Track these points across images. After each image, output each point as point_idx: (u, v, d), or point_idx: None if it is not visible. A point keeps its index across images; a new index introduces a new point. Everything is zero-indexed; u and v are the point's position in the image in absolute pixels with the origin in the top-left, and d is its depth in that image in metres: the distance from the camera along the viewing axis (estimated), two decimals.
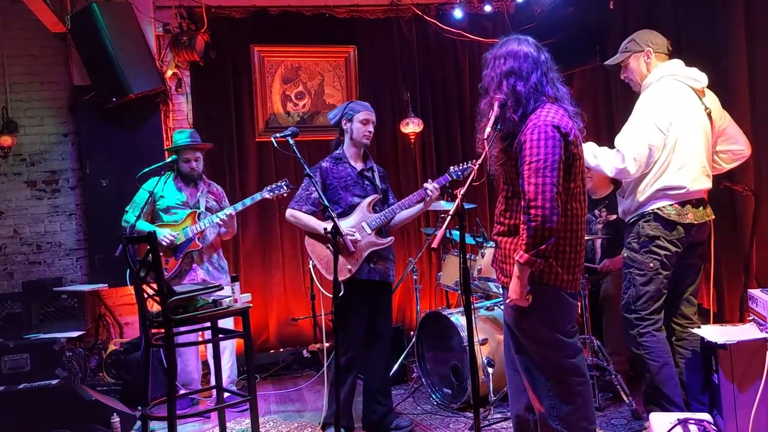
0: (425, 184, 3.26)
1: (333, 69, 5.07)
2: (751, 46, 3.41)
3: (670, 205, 2.83)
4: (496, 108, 2.27)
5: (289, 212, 3.33)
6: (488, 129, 2.26)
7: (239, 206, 3.79)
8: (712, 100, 3.01)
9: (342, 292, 3.18)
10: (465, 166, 3.35)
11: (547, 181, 2.14)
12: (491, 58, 2.35)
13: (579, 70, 4.57)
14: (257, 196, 3.77)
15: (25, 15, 4.17)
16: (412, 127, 4.92)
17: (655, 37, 2.99)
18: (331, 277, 3.20)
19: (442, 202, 3.87)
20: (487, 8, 4.99)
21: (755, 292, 2.94)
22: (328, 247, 3.24)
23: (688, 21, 3.79)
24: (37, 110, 4.61)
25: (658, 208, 2.83)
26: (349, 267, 3.18)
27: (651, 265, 2.84)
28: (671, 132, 2.80)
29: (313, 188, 3.25)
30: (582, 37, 4.25)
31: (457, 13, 4.95)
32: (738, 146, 3.04)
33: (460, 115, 5.22)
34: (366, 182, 3.34)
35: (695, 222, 2.85)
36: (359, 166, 3.35)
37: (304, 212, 3.27)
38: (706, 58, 3.64)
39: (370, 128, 3.33)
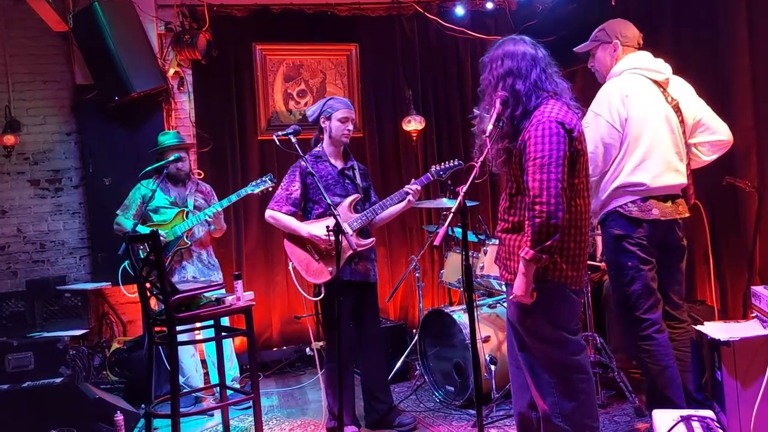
0: (407, 186, 3.26)
1: (335, 67, 5.07)
2: (753, 43, 3.40)
3: (632, 201, 2.72)
4: (498, 105, 2.27)
5: (269, 213, 3.28)
6: (490, 126, 2.26)
7: (225, 203, 3.79)
8: (680, 90, 2.86)
9: (323, 295, 3.19)
10: (446, 166, 3.34)
11: (552, 177, 2.14)
12: (488, 62, 2.35)
13: (581, 67, 4.56)
14: (242, 192, 3.76)
15: (27, 14, 4.17)
16: (413, 124, 4.92)
17: (626, 29, 2.87)
18: (311, 279, 3.21)
19: (444, 200, 3.87)
20: (489, 5, 4.98)
21: (758, 288, 2.93)
22: (307, 250, 3.24)
23: (690, 17, 3.78)
24: (40, 109, 4.62)
25: (619, 206, 2.74)
26: (330, 269, 3.17)
27: (629, 263, 2.73)
28: (627, 128, 2.70)
29: (294, 188, 3.25)
30: (584, 34, 4.21)
31: (459, 11, 4.94)
32: (717, 136, 2.85)
33: (462, 113, 5.21)
34: (347, 181, 3.32)
35: (662, 218, 2.72)
36: (339, 164, 3.33)
37: (284, 213, 3.24)
38: (708, 54, 3.64)
39: (350, 126, 3.30)
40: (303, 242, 3.24)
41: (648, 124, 2.72)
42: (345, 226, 3.18)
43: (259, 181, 3.75)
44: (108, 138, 4.46)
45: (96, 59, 4.19)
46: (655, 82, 2.82)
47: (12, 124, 4.50)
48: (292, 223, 3.24)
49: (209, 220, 3.77)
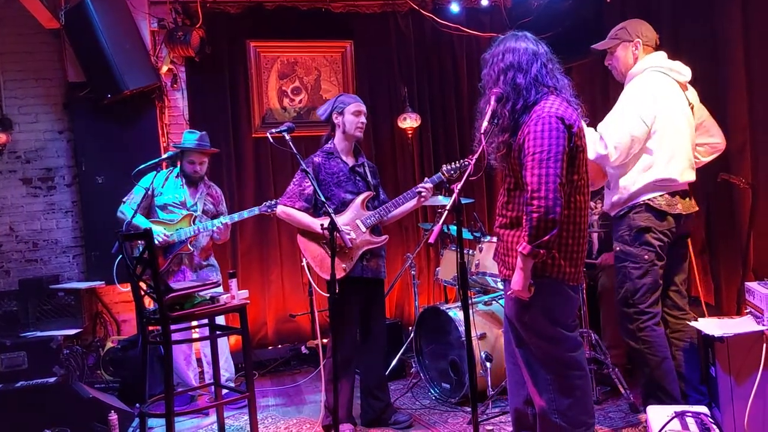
0: (420, 185, 3.26)
1: (329, 64, 5.06)
2: (747, 39, 3.41)
3: (661, 195, 2.82)
4: (492, 102, 2.28)
5: (281, 209, 3.29)
6: (485, 123, 2.26)
7: (236, 217, 3.78)
8: (693, 94, 3.00)
9: (336, 291, 3.17)
10: (458, 165, 3.35)
11: (551, 172, 2.14)
12: (489, 57, 2.37)
13: (577, 63, 4.56)
14: (255, 210, 3.76)
15: (18, 11, 4.14)
16: (409, 122, 4.91)
17: (646, 29, 2.96)
18: (325, 275, 3.18)
19: (440, 197, 3.87)
20: (484, 2, 4.96)
21: (752, 284, 2.94)
22: (321, 246, 3.22)
23: (685, 13, 3.79)
24: (32, 107, 4.58)
25: (648, 199, 2.83)
26: (344, 266, 3.16)
27: (646, 257, 2.82)
28: (656, 124, 2.79)
29: (307, 183, 3.22)
30: (579, 30, 4.24)
31: (454, 8, 4.92)
32: (714, 139, 3.04)
33: (458, 110, 5.21)
34: (358, 178, 3.31)
35: (684, 212, 2.85)
36: (351, 161, 3.33)
37: (297, 209, 3.24)
38: (704, 53, 3.64)
39: (363, 120, 3.30)
40: (317, 238, 3.22)
41: (675, 122, 2.82)
42: (358, 223, 3.20)
43: (273, 203, 3.72)
44: (101, 136, 4.42)
45: (88, 56, 4.16)
46: (677, 82, 2.91)
47: (4, 122, 4.47)
48: (305, 219, 3.22)
49: (216, 230, 3.76)
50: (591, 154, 2.79)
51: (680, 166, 2.83)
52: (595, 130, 2.89)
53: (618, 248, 2.91)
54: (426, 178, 3.33)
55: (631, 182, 2.85)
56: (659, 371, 2.80)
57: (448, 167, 3.34)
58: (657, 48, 2.97)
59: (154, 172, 3.76)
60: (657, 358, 2.80)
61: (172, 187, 3.83)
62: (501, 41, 2.36)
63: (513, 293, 2.26)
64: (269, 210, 3.73)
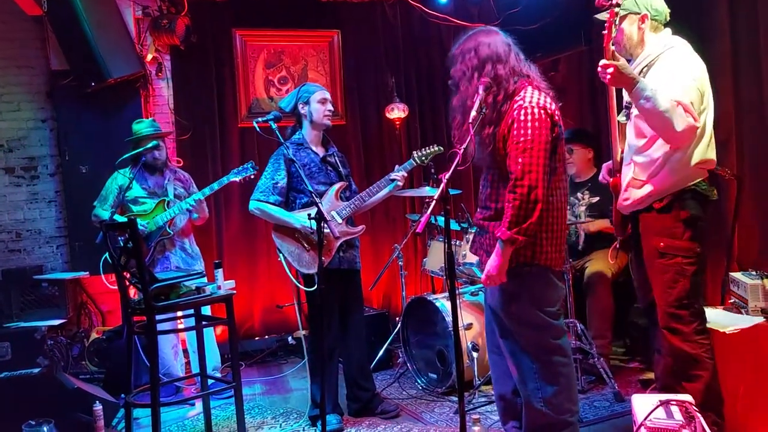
0: (393, 173, 3.25)
1: (317, 53, 5.02)
2: (733, 29, 3.42)
3: (703, 180, 2.53)
4: (480, 92, 2.28)
5: (255, 205, 3.19)
6: (473, 113, 2.26)
7: (207, 191, 3.73)
8: None
9: (316, 285, 3.16)
10: (428, 150, 3.35)
11: (534, 161, 2.17)
12: (459, 54, 2.37)
13: (565, 54, 4.56)
14: (224, 180, 3.71)
15: None
16: (397, 112, 4.89)
17: (657, 3, 2.60)
18: (303, 270, 3.16)
19: (427, 188, 3.86)
20: None
21: (737, 275, 2.97)
22: (297, 240, 3.19)
23: (674, 4, 3.78)
24: (14, 95, 4.50)
25: (695, 185, 2.49)
26: (323, 258, 3.14)
27: (698, 249, 2.49)
28: (705, 100, 2.51)
29: (279, 176, 3.18)
30: (568, 21, 4.23)
31: None
32: None
33: (446, 101, 5.16)
34: (330, 169, 3.29)
35: (715, 199, 2.58)
36: (321, 151, 3.30)
37: (271, 204, 3.18)
38: (691, 40, 3.65)
39: (330, 107, 3.27)
40: (292, 233, 3.18)
41: (712, 103, 2.56)
42: (334, 214, 3.17)
43: (240, 168, 3.70)
44: (84, 125, 4.37)
45: (71, 44, 4.08)
46: None
47: None
48: (282, 214, 3.17)
49: (191, 209, 3.73)
50: (680, 126, 2.36)
51: (714, 149, 2.54)
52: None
53: (662, 244, 2.51)
54: (397, 166, 3.31)
55: (679, 167, 2.48)
56: (716, 379, 2.52)
57: (419, 153, 3.34)
58: (666, 26, 2.64)
59: (118, 173, 3.76)
60: (713, 362, 2.50)
61: (137, 179, 3.79)
62: (470, 37, 2.37)
63: (488, 276, 2.26)
64: (239, 176, 3.64)
